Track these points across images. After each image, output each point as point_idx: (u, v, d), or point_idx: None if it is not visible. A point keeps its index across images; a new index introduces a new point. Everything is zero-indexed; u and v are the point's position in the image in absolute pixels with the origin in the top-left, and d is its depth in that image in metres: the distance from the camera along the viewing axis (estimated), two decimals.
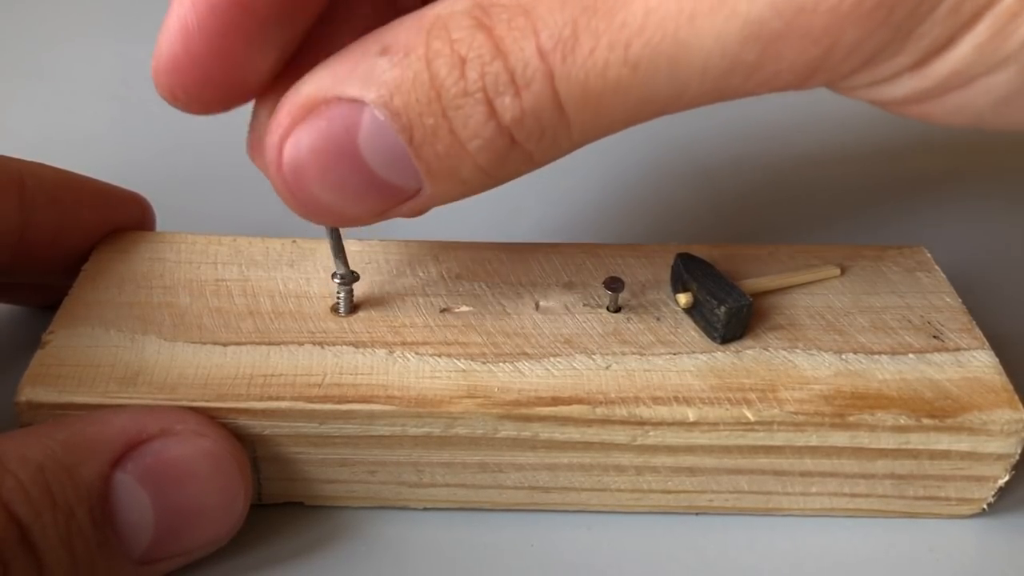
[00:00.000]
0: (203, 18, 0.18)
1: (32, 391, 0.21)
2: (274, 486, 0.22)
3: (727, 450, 0.22)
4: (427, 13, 0.18)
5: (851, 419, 0.21)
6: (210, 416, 0.21)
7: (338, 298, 0.23)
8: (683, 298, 0.23)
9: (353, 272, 0.23)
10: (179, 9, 0.18)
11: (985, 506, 0.23)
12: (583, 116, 0.18)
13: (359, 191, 0.19)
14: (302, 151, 0.18)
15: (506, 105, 0.17)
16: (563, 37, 0.17)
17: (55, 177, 0.25)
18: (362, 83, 0.18)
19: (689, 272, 0.24)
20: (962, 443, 0.21)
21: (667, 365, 0.22)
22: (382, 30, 0.18)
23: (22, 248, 0.24)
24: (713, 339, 0.23)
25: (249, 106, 0.21)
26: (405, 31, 0.18)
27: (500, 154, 0.18)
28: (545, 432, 0.21)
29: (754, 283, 0.24)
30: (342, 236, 0.23)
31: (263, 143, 0.19)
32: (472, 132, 0.18)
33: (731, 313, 0.22)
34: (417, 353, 0.22)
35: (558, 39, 0.17)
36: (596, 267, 0.25)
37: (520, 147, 0.18)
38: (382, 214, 0.20)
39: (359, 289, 0.24)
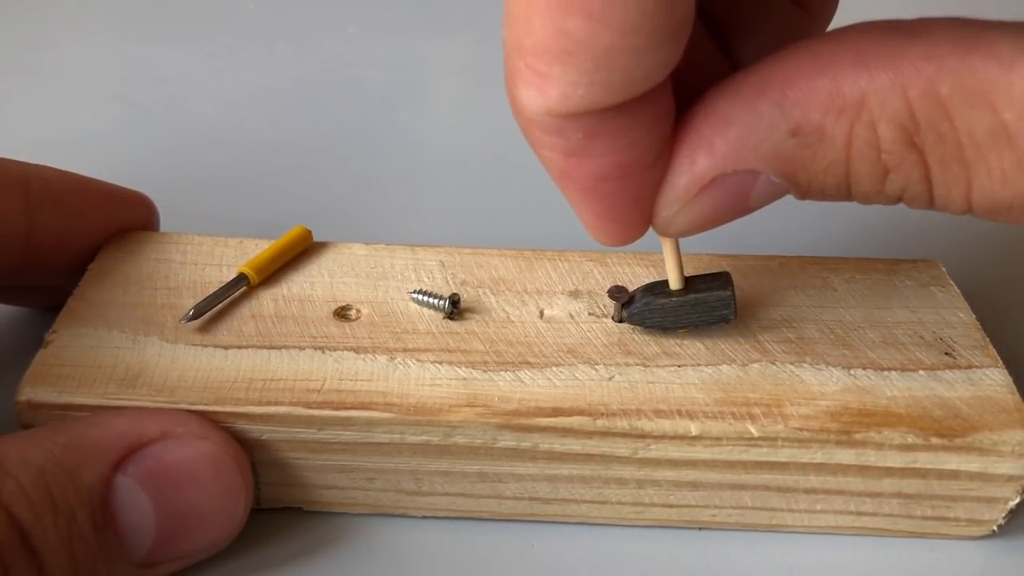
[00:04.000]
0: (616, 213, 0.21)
1: (32, 391, 0.22)
2: (272, 491, 0.23)
3: (730, 465, 0.22)
4: (843, 89, 0.18)
5: (857, 437, 0.22)
6: (209, 420, 0.21)
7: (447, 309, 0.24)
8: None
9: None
10: (592, 217, 0.22)
11: (995, 528, 0.23)
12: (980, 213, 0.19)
13: (730, 218, 0.22)
14: (695, 217, 0.21)
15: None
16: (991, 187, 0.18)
17: (60, 179, 0.26)
18: (768, 161, 0.20)
19: (628, 295, 0.25)
20: (972, 463, 0.22)
21: (671, 377, 0.23)
22: (784, 93, 0.19)
23: (28, 251, 0.25)
24: (727, 320, 0.23)
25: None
26: (818, 110, 0.19)
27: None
28: (545, 443, 0.22)
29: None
30: None
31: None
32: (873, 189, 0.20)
33: (733, 287, 0.24)
34: (418, 360, 0.23)
35: (987, 192, 0.18)
36: (603, 275, 0.26)
37: None
38: None
39: (364, 294, 0.25)
